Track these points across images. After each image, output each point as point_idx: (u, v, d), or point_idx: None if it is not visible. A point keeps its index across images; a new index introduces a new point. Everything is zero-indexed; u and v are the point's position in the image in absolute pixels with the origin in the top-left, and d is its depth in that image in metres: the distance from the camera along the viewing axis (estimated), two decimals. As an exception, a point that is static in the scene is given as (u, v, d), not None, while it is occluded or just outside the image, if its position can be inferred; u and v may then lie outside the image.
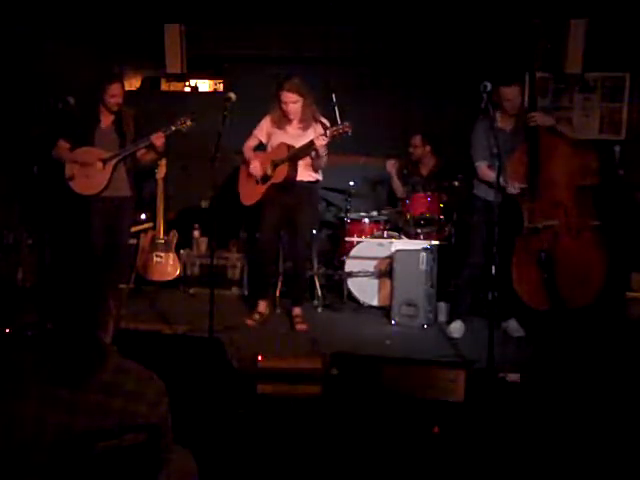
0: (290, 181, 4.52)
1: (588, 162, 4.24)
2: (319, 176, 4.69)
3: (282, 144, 4.52)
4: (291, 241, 4.76)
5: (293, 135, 4.54)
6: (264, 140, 4.64)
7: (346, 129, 4.30)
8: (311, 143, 4.36)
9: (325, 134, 4.30)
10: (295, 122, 4.54)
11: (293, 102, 4.43)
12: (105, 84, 4.63)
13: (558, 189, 4.25)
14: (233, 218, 5.34)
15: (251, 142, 4.66)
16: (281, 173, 4.51)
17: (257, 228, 4.88)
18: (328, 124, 4.51)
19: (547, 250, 4.22)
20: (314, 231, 5.43)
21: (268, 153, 4.61)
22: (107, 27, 6.21)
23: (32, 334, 3.73)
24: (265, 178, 4.59)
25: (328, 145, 4.37)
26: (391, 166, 5.76)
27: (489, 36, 5.77)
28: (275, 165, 4.52)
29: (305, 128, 4.52)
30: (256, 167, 4.57)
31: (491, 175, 4.34)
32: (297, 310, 4.78)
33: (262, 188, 4.60)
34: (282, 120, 4.53)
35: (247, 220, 5.48)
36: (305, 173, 4.59)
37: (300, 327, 4.66)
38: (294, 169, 4.52)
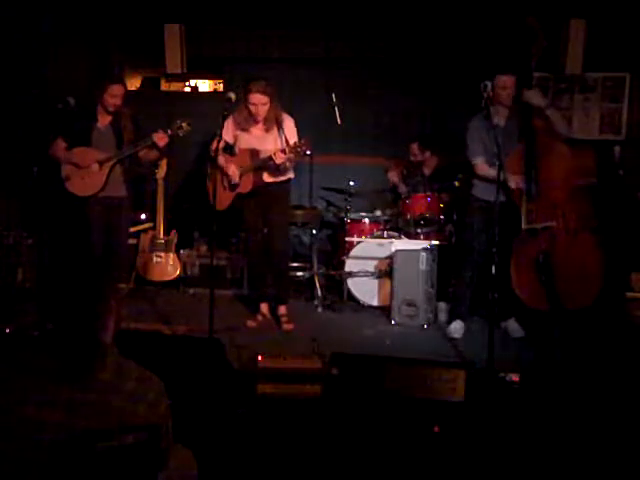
0: (257, 189, 4.52)
1: (585, 162, 4.24)
2: (290, 175, 4.64)
3: (245, 151, 4.51)
4: (269, 239, 4.72)
5: (257, 136, 4.52)
6: (231, 141, 4.59)
7: (304, 147, 4.31)
8: (270, 158, 4.36)
9: (284, 151, 4.31)
10: (259, 124, 4.50)
11: (263, 104, 4.39)
12: (107, 84, 4.62)
13: (555, 190, 4.24)
14: (233, 218, 5.33)
15: (219, 144, 4.45)
16: (247, 183, 4.51)
17: (241, 229, 4.84)
18: (293, 124, 4.49)
19: (545, 251, 4.21)
20: (314, 231, 5.44)
21: (234, 159, 4.57)
22: (107, 27, 6.21)
23: (32, 334, 3.73)
24: (232, 186, 4.57)
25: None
26: (394, 176, 5.78)
27: (488, 34, 5.77)
28: (240, 174, 4.51)
29: (268, 130, 4.49)
30: (235, 173, 4.52)
31: (489, 171, 4.34)
32: (282, 309, 4.76)
33: (230, 195, 4.58)
34: (246, 122, 4.48)
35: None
36: (267, 175, 4.55)
37: (287, 327, 4.65)
38: (259, 177, 4.50)
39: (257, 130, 4.52)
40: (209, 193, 4.52)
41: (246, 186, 4.53)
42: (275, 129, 4.49)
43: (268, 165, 4.41)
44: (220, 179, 4.57)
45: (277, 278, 4.84)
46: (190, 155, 6.21)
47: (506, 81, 4.26)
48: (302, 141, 4.30)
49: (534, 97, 4.27)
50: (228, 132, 4.53)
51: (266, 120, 4.45)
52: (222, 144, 4.53)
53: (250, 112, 4.43)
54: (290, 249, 5.13)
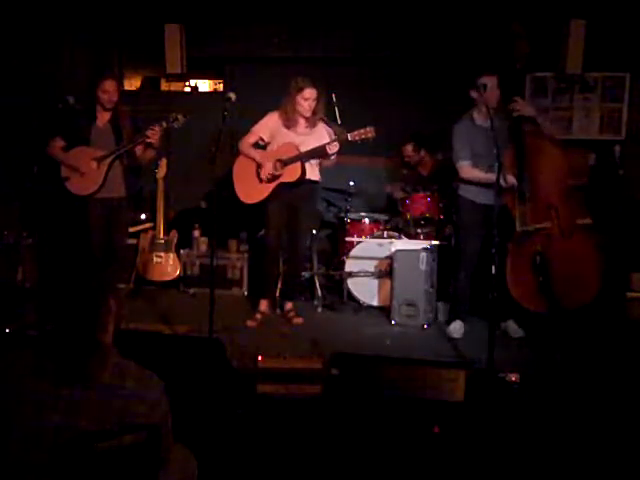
0: (301, 181, 4.56)
1: (576, 162, 4.25)
2: (319, 176, 4.74)
3: (290, 144, 4.53)
4: (291, 239, 4.77)
5: (302, 134, 4.58)
6: (266, 138, 4.65)
7: (369, 134, 4.37)
8: (322, 147, 4.43)
9: (337, 140, 4.42)
10: (303, 121, 4.59)
11: (314, 99, 4.50)
12: (99, 80, 4.64)
13: (547, 191, 4.23)
14: (233, 218, 5.33)
15: (251, 139, 4.64)
16: (294, 173, 4.54)
17: (260, 227, 4.91)
18: (328, 122, 4.62)
19: (541, 252, 4.21)
20: (314, 231, 5.44)
21: (273, 152, 4.61)
22: (107, 27, 6.21)
23: (32, 334, 3.73)
24: (273, 177, 4.60)
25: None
26: (397, 193, 5.76)
27: (487, 36, 5.76)
28: (284, 164, 4.54)
29: (312, 126, 4.60)
30: (270, 168, 4.55)
31: (476, 174, 4.34)
32: (289, 305, 4.87)
33: (269, 187, 4.60)
34: (292, 119, 4.56)
35: (247, 219, 5.48)
36: (310, 172, 4.62)
37: (296, 320, 4.74)
38: (304, 169, 4.56)
39: (301, 128, 4.60)
40: (237, 189, 4.68)
41: (292, 175, 4.54)
42: (319, 125, 4.61)
43: (318, 155, 4.51)
44: (255, 171, 4.62)
45: (289, 276, 4.93)
46: (190, 154, 6.20)
47: (490, 81, 4.25)
48: (367, 128, 4.38)
49: (524, 108, 4.26)
50: (265, 128, 4.62)
51: (311, 117, 4.56)
52: (253, 140, 4.63)
53: (296, 109, 4.51)
54: (307, 250, 5.18)
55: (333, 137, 4.54)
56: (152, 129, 4.57)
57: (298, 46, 6.26)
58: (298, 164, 4.52)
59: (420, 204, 5.31)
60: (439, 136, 5.73)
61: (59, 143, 4.70)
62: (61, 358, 1.77)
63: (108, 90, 4.62)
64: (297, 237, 4.74)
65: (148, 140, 4.59)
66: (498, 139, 4.19)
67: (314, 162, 4.63)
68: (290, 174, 4.54)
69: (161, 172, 5.57)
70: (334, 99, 5.23)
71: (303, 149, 4.50)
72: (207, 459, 2.30)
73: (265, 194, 4.61)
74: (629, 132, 6.01)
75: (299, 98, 4.49)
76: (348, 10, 5.97)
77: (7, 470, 1.70)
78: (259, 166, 4.61)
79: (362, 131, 4.39)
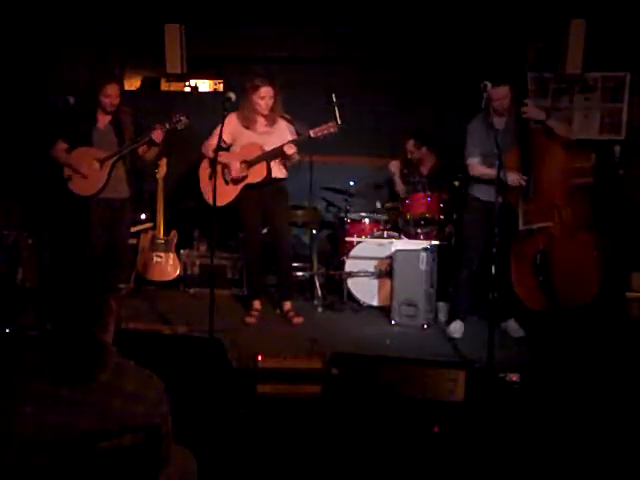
0: (267, 181, 4.55)
1: (581, 162, 4.24)
2: (286, 173, 4.74)
3: (255, 144, 4.53)
4: (273, 239, 4.78)
5: (262, 133, 4.57)
6: (228, 140, 4.61)
7: (331, 129, 4.35)
8: (280, 148, 4.43)
9: (294, 142, 4.43)
10: (262, 119, 4.58)
11: (271, 96, 4.49)
12: (101, 84, 4.64)
13: (552, 190, 4.24)
14: (233, 218, 5.32)
15: (214, 141, 4.46)
16: (259, 173, 4.54)
17: (236, 230, 4.91)
18: (290, 119, 4.62)
19: (543, 251, 4.21)
20: (314, 231, 5.45)
21: (237, 153, 4.59)
22: (107, 27, 6.21)
23: (32, 334, 3.73)
24: (237, 180, 4.58)
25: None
26: (394, 167, 5.79)
27: (486, 36, 5.77)
28: (249, 165, 4.53)
29: (272, 124, 4.58)
30: (237, 169, 4.54)
31: (483, 171, 4.35)
32: (287, 305, 4.86)
33: (235, 189, 4.59)
34: (250, 119, 4.55)
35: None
36: (276, 171, 4.62)
37: (296, 320, 4.74)
38: (269, 169, 4.55)
39: (261, 127, 4.58)
40: (204, 192, 4.62)
41: (258, 176, 4.54)
42: (279, 122, 4.59)
43: (278, 155, 4.48)
44: (221, 174, 4.60)
45: (281, 276, 4.91)
46: (189, 154, 6.20)
47: (499, 93, 4.24)
48: (330, 124, 4.39)
49: (533, 112, 4.25)
50: (226, 131, 4.54)
51: (270, 115, 4.54)
52: (216, 141, 4.55)
53: (254, 108, 4.50)
54: (292, 247, 5.16)
55: (295, 134, 4.53)
56: (156, 129, 4.57)
57: (298, 46, 6.26)
58: (263, 164, 4.51)
59: (420, 204, 5.31)
60: (440, 137, 5.74)
61: (62, 146, 4.71)
62: (61, 358, 1.76)
63: (110, 95, 4.63)
64: (278, 236, 4.73)
65: (153, 139, 4.59)
66: (508, 139, 4.21)
67: (278, 160, 4.62)
68: (256, 175, 4.54)
69: (161, 172, 5.57)
70: (334, 99, 5.24)
71: (266, 148, 4.50)
72: (207, 459, 2.30)
73: (232, 196, 4.60)
74: (629, 132, 6.01)
75: (255, 97, 4.49)
76: (348, 10, 5.97)
77: (8, 470, 1.70)
78: (224, 168, 4.59)
79: (324, 127, 4.40)
